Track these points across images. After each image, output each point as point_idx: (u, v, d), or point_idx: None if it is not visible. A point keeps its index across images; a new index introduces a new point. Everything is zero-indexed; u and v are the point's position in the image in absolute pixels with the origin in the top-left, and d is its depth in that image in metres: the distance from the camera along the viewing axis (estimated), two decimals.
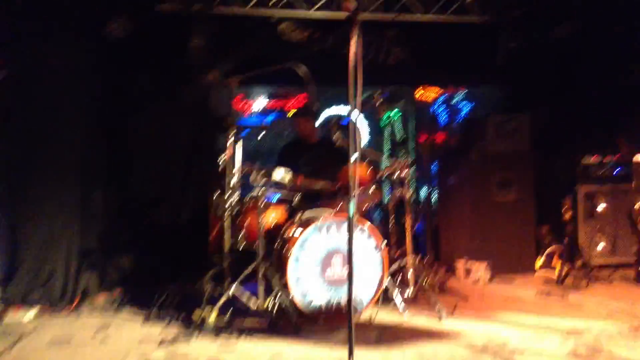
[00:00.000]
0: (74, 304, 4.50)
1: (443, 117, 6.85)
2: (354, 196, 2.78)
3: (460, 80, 6.48)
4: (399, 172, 4.47)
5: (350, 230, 2.76)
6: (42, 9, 4.52)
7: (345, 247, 4.03)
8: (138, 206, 5.25)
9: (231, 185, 4.29)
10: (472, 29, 5.87)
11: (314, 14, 5.43)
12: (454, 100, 6.87)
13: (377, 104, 4.68)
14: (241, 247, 4.41)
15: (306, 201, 4.80)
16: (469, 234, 5.38)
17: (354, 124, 2.83)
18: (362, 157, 4.56)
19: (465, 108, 6.90)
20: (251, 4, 5.29)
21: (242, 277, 4.10)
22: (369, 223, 4.16)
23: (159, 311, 4.21)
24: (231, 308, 3.98)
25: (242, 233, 4.42)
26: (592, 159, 5.49)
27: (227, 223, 4.29)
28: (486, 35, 5.94)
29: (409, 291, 4.40)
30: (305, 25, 5.55)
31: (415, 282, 4.44)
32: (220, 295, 4.03)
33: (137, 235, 5.19)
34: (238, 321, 3.98)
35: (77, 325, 4.07)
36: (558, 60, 5.96)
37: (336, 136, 4.48)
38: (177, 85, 5.35)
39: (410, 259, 4.42)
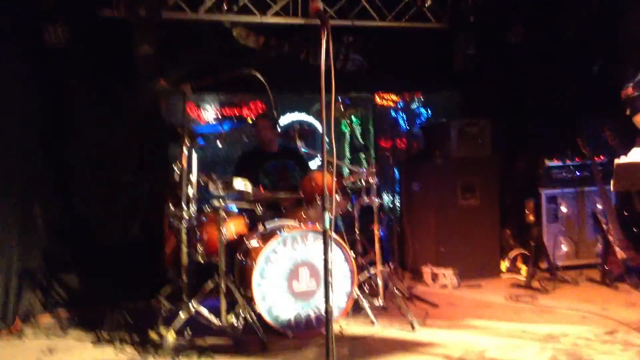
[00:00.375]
0: (15, 327, 4.10)
1: (402, 123, 6.76)
2: (328, 206, 2.60)
3: (418, 87, 6.41)
4: (364, 179, 4.31)
5: (325, 243, 2.57)
6: None
7: (312, 259, 3.87)
8: (84, 220, 4.88)
9: (188, 195, 4.01)
10: (429, 36, 5.85)
11: (271, 19, 5.25)
12: (413, 106, 6.80)
13: (340, 109, 4.51)
14: (200, 260, 4.14)
15: (268, 211, 4.60)
16: (434, 239, 5.28)
17: (327, 131, 2.63)
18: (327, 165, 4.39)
19: (424, 114, 6.84)
20: (203, 9, 5.06)
21: (203, 291, 3.84)
22: (336, 234, 3.97)
23: (111, 332, 3.88)
24: (191, 326, 3.70)
25: (201, 246, 4.16)
26: (554, 162, 5.50)
27: (184, 235, 4.01)
28: (443, 41, 5.93)
29: (379, 301, 4.23)
30: (259, 31, 5.36)
31: (385, 291, 4.27)
32: (178, 312, 3.74)
33: (83, 251, 4.83)
34: (199, 340, 3.71)
35: (20, 351, 3.72)
36: (515, 64, 5.98)
37: (299, 144, 4.28)
38: (124, 94, 5.04)
39: (379, 268, 4.25)
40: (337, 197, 4.21)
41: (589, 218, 5.37)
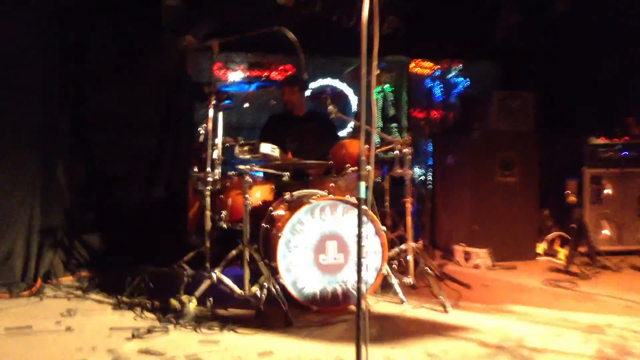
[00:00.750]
0: (35, 287, 4.03)
1: (437, 93, 6.44)
2: (365, 175, 2.40)
3: (456, 55, 6.07)
4: (399, 148, 4.07)
5: (360, 213, 2.37)
6: None
7: (341, 231, 3.67)
8: (107, 180, 4.75)
9: (213, 158, 3.83)
10: (471, 1, 5.49)
11: None
12: (449, 76, 6.47)
13: (375, 74, 4.23)
14: (224, 226, 3.98)
15: (294, 179, 4.42)
16: (468, 216, 5.03)
17: (369, 95, 2.41)
18: (357, 132, 4.17)
19: (460, 84, 6.51)
20: None
21: (226, 260, 3.68)
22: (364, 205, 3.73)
23: (131, 297, 3.76)
24: (213, 295, 3.55)
25: (225, 211, 4.00)
26: (599, 140, 5.16)
27: (207, 200, 3.84)
28: (485, 8, 5.59)
29: (409, 278, 4.03)
30: None
31: (415, 269, 4.07)
32: (201, 280, 3.60)
33: (106, 212, 4.72)
34: (221, 310, 3.57)
35: (39, 311, 3.63)
36: (561, 35, 5.61)
37: (331, 108, 4.04)
38: (149, 49, 4.83)
39: (410, 244, 4.04)
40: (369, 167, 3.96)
41: (634, 201, 5.05)
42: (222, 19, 4.91)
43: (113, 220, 4.67)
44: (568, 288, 4.19)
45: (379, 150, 4.12)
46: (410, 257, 4.03)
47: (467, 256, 4.85)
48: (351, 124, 5.93)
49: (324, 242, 3.64)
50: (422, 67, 6.49)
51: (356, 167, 3.97)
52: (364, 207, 3.67)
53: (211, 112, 3.86)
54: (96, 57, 4.70)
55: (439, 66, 6.41)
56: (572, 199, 5.26)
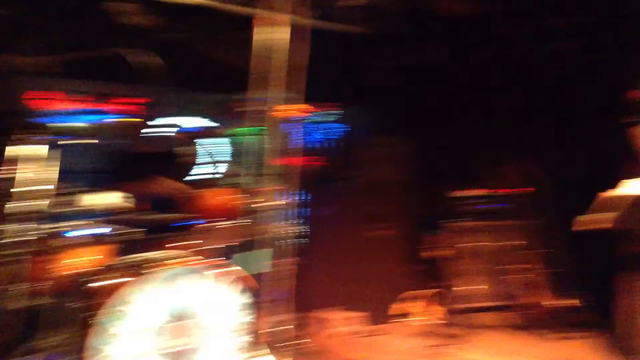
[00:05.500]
0: None
1: (299, 138, 5.93)
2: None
3: (328, 98, 5.64)
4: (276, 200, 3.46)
5: None
6: None
7: (192, 306, 2.88)
8: None
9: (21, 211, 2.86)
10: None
11: None
12: (318, 119, 6.02)
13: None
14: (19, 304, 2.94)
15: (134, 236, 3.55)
16: (333, 275, 4.48)
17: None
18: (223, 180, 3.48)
19: (332, 130, 6.09)
20: None
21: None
22: (231, 269, 3.02)
23: None
24: None
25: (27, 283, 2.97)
26: (461, 193, 4.98)
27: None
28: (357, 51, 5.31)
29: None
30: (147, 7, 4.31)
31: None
32: None
33: None
34: None
35: None
36: (435, 81, 5.47)
37: (192, 149, 3.33)
38: None
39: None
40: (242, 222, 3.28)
41: (491, 255, 4.90)
42: (41, 37, 3.94)
43: None
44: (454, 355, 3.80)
45: (254, 201, 3.44)
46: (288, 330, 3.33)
47: (337, 322, 4.28)
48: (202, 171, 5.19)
49: (175, 323, 2.80)
50: (283, 111, 5.94)
51: (219, 223, 3.23)
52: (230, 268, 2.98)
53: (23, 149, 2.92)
54: None
55: (305, 110, 5.92)
56: (432, 253, 5.00)
